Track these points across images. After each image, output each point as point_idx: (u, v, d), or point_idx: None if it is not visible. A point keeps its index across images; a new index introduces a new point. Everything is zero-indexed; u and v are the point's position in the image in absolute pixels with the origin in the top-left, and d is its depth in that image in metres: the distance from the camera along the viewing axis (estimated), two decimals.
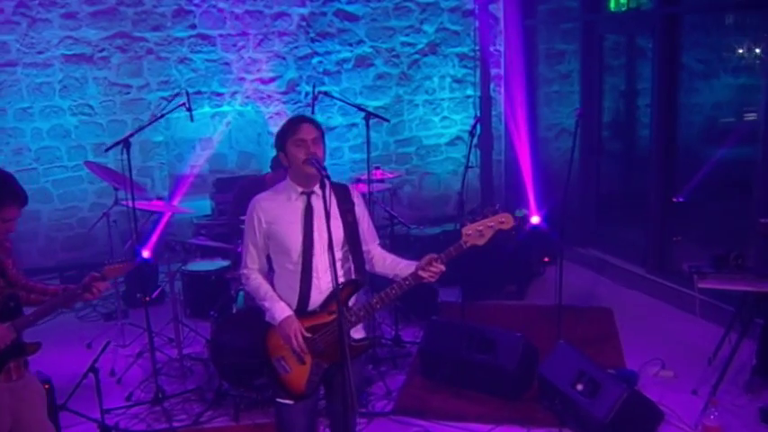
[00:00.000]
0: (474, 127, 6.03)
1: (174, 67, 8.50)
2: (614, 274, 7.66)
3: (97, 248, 8.05)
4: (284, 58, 8.87)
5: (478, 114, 8.86)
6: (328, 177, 3.20)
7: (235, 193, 6.56)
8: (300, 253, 3.44)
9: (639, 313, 6.71)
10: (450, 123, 9.67)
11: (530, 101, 9.03)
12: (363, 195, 5.85)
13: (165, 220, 7.02)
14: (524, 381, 5.07)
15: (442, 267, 3.38)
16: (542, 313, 6.49)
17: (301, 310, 3.46)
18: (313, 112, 5.61)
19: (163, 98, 8.08)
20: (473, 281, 6.95)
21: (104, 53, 8.23)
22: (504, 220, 3.38)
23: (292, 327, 3.37)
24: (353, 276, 3.51)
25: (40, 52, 8.02)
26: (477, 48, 9.30)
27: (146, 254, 6.43)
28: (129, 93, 8.42)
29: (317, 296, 3.46)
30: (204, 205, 8.34)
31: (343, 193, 3.55)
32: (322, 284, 3.46)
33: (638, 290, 7.24)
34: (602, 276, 7.77)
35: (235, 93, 8.77)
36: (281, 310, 3.44)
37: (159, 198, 8.48)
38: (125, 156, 5.49)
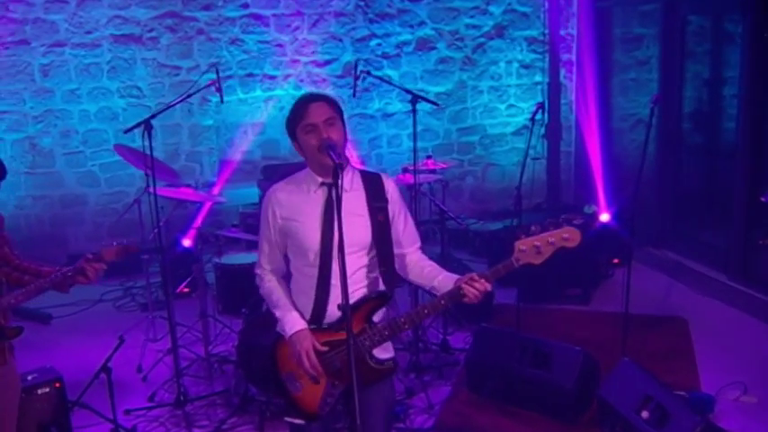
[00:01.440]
0: (535, 113, 5.42)
1: (225, 49, 8.15)
2: (691, 280, 6.92)
3: (143, 235, 7.77)
4: (340, 40, 8.42)
5: (544, 101, 8.22)
6: (341, 167, 2.70)
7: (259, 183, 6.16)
8: (318, 254, 2.95)
9: (719, 326, 5.97)
10: (517, 111, 9.05)
11: (603, 89, 8.34)
12: (410, 187, 5.42)
13: (206, 207, 6.67)
14: (582, 401, 4.48)
15: (488, 286, 2.86)
16: (608, 321, 5.86)
17: (317, 322, 2.98)
18: (355, 95, 5.11)
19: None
20: (533, 282, 6.42)
21: (153, 33, 7.94)
22: (569, 236, 2.88)
23: (304, 343, 2.90)
24: (381, 288, 3.01)
25: (88, 32, 7.79)
26: (547, 31, 8.63)
27: (186, 243, 6.10)
28: (178, 75, 8.11)
29: (334, 307, 2.94)
30: (253, 193, 7.96)
31: (374, 186, 3.03)
32: (339, 295, 2.92)
33: (719, 299, 6.49)
34: (677, 282, 7.04)
35: (288, 76, 8.37)
36: (292, 322, 2.98)
37: (205, 184, 8.25)
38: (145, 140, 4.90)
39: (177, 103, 5.17)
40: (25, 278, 3.42)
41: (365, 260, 2.98)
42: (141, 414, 4.86)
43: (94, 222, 8.20)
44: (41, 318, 6.53)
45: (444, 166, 6.11)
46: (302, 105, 2.91)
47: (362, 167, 3.20)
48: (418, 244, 3.18)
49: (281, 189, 3.05)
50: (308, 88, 8.39)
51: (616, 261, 7.25)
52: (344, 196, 2.84)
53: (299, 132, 2.91)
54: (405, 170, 5.39)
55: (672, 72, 7.43)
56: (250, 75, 8.24)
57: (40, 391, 4.26)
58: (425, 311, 2.89)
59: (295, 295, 3.06)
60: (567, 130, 8.98)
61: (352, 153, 8.57)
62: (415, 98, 4.88)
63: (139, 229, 6.18)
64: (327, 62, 8.42)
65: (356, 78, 5.01)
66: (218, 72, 5.14)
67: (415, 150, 5.04)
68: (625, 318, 4.90)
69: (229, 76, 8.18)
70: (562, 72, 8.74)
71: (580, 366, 4.44)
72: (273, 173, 7.68)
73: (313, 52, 8.36)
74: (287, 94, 8.46)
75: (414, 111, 4.91)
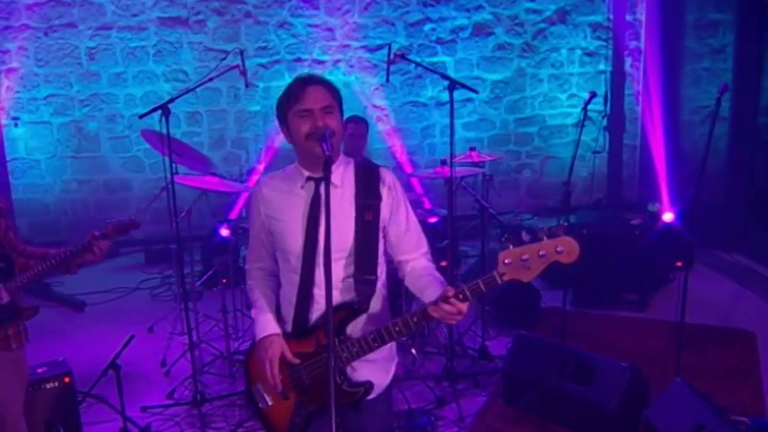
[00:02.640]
0: (587, 103, 4.97)
1: (273, 32, 7.90)
2: (763, 288, 6.33)
3: (189, 222, 7.62)
4: (393, 25, 8.06)
5: (607, 91, 7.69)
6: (331, 159, 2.35)
7: None
8: (300, 259, 2.61)
9: None
10: (579, 102, 8.50)
11: (672, 79, 7.76)
12: (450, 181, 5.00)
13: (243, 196, 6.44)
14: (626, 424, 4.03)
15: (462, 308, 2.36)
16: (666, 331, 5.35)
17: (298, 331, 2.63)
18: (388, 80, 4.76)
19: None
20: (586, 285, 5.98)
21: (200, 16, 7.75)
22: (565, 249, 2.33)
23: (269, 351, 2.56)
24: (354, 296, 2.60)
25: (134, 15, 7.65)
26: (612, 16, 8.08)
27: (224, 232, 5.87)
28: (224, 58, 7.86)
29: (318, 316, 2.61)
30: None
31: (367, 181, 2.64)
32: (323, 302, 2.57)
33: None
34: (746, 289, 6.44)
35: (338, 61, 8.07)
36: (263, 325, 2.64)
37: (250, 171, 8.03)
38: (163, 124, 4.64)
39: (197, 87, 4.91)
40: (31, 263, 3.31)
41: (351, 269, 2.60)
42: (158, 412, 4.63)
43: (138, 208, 8.05)
44: (75, 304, 6.43)
45: (489, 158, 5.69)
46: (299, 87, 2.55)
47: (358, 161, 2.80)
48: (423, 249, 2.76)
49: (266, 183, 2.72)
50: (358, 74, 8.10)
51: (679, 264, 6.68)
52: (334, 193, 2.52)
53: (290, 116, 2.55)
54: (442, 162, 5.00)
55: (748, 61, 6.83)
56: (298, 59, 7.97)
57: (48, 386, 4.04)
58: (396, 329, 2.46)
59: (282, 304, 2.73)
60: (633, 122, 8.42)
61: (398, 142, 8.24)
62: (453, 84, 4.47)
63: (169, 218, 5.97)
64: (378, 47, 8.07)
65: (390, 63, 4.64)
66: (242, 55, 4.85)
67: (451, 142, 4.63)
68: (680, 329, 4.41)
69: (277, 61, 7.94)
70: (628, 61, 8.17)
71: (626, 385, 3.99)
72: None
73: (364, 37, 8.04)
74: (336, 80, 8.09)
75: (451, 98, 4.50)
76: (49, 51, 7.59)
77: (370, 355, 2.52)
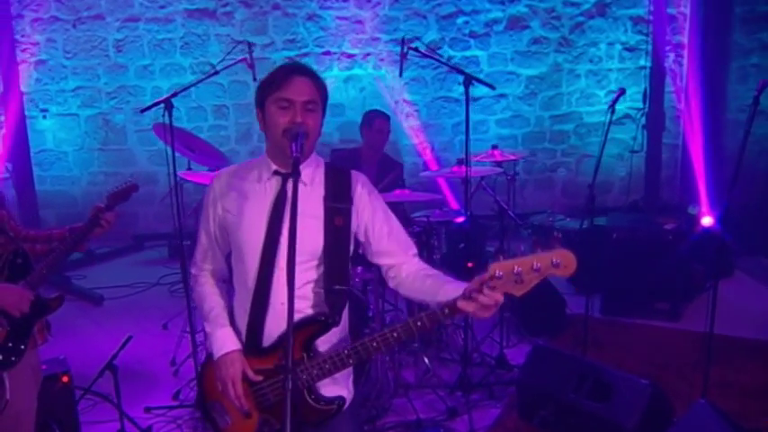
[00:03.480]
0: (614, 101, 4.69)
1: (302, 25, 7.75)
2: None
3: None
4: (424, 17, 7.83)
5: (646, 88, 7.35)
6: (298, 161, 2.15)
7: None
8: (258, 257, 2.38)
9: None
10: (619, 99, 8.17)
11: (718, 75, 7.37)
12: (468, 181, 4.74)
13: None
14: None
15: (499, 297, 2.16)
16: (698, 343, 5.04)
17: (253, 345, 2.42)
18: (401, 74, 4.54)
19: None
20: (617, 292, 5.70)
21: (228, 8, 7.63)
22: (561, 262, 2.11)
23: (230, 369, 2.36)
24: (325, 308, 2.39)
25: (162, 7, 7.57)
26: (652, 9, 7.72)
27: None
28: (252, 52, 7.74)
29: (274, 328, 2.39)
30: None
31: (337, 183, 2.45)
32: (280, 313, 2.36)
33: None
34: None
35: (367, 54, 7.88)
36: (222, 341, 2.43)
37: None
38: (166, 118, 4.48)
39: (200, 81, 4.72)
40: (37, 247, 3.21)
41: (314, 274, 2.40)
42: (161, 413, 4.51)
43: (164, 202, 7.99)
44: (94, 299, 6.37)
45: (513, 157, 5.42)
46: (285, 74, 2.33)
47: (328, 161, 2.59)
48: (413, 251, 2.56)
49: (227, 173, 2.51)
50: (389, 68, 7.89)
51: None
52: (302, 191, 2.31)
53: (269, 103, 2.34)
54: (459, 162, 4.76)
55: None
56: (327, 53, 7.81)
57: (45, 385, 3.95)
58: (395, 335, 2.24)
59: (235, 312, 2.51)
60: (674, 120, 8.05)
61: (428, 138, 8.01)
62: (468, 79, 4.22)
63: (182, 214, 5.86)
64: (410, 40, 7.83)
65: (403, 57, 4.42)
66: (250, 47, 4.68)
67: (467, 139, 4.38)
68: (708, 342, 4.10)
69: (305, 54, 7.78)
70: (670, 56, 7.80)
71: (646, 403, 3.72)
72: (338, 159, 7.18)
73: (394, 30, 7.82)
74: (366, 74, 7.97)
75: (467, 94, 4.26)
76: (77, 43, 7.56)
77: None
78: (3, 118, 7.01)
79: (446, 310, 2.21)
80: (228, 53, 4.74)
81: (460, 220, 5.63)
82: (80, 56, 7.58)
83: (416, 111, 8.03)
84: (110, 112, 7.73)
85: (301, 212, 2.26)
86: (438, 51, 7.89)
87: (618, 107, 8.06)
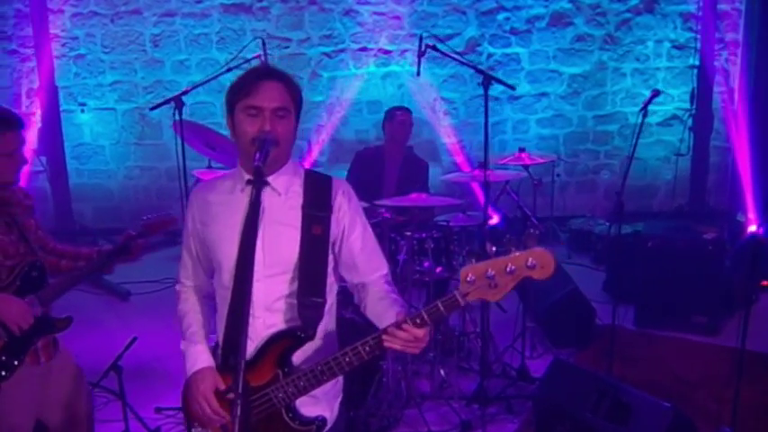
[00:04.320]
0: (648, 102, 4.43)
1: (339, 20, 7.63)
2: None
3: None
4: (464, 13, 7.64)
5: (694, 88, 7.01)
6: (260, 170, 2.06)
7: (350, 166, 5.55)
8: (232, 274, 2.29)
9: None
10: (666, 99, 7.85)
11: None
12: (486, 186, 4.52)
13: None
14: None
15: (418, 333, 2.05)
16: (733, 362, 4.76)
17: (228, 361, 2.31)
18: (418, 73, 4.36)
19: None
20: (652, 302, 5.42)
21: (264, 3, 7.57)
22: (537, 262, 1.98)
23: (201, 386, 2.26)
24: (297, 321, 2.28)
25: (198, 1, 7.56)
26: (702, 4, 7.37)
27: None
28: (288, 47, 7.70)
29: (252, 343, 2.28)
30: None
31: (317, 191, 2.33)
32: (258, 326, 2.28)
33: None
34: None
35: (405, 51, 7.72)
36: (194, 358, 2.34)
37: (312, 164, 7.79)
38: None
39: (209, 81, 4.64)
40: (62, 263, 3.12)
41: (289, 286, 2.28)
42: (171, 414, 4.45)
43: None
44: (120, 293, 6.37)
45: (541, 161, 5.18)
46: (254, 79, 2.21)
47: (313, 169, 2.47)
48: (383, 271, 2.41)
49: (205, 186, 2.42)
50: (426, 64, 7.69)
51: (765, 283, 6.01)
52: (276, 201, 2.27)
53: (237, 110, 2.22)
54: (480, 165, 4.56)
55: None
56: (364, 49, 7.68)
57: None
58: (347, 360, 2.14)
59: (217, 327, 2.41)
60: (725, 122, 7.67)
61: (459, 138, 7.81)
62: (487, 80, 4.04)
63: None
64: (449, 37, 7.66)
65: (420, 55, 4.25)
66: (264, 44, 4.57)
67: (486, 140, 4.19)
68: (740, 360, 3.86)
69: (341, 50, 7.67)
70: (723, 55, 7.43)
71: (666, 429, 3.50)
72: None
73: (433, 26, 7.64)
74: (403, 70, 7.81)
75: (485, 95, 4.07)
76: (114, 38, 7.59)
77: (314, 391, 2.21)
78: (39, 112, 7.09)
79: (371, 343, 2.11)
80: (240, 51, 4.59)
81: (495, 221, 5.47)
82: (118, 50, 7.62)
83: (454, 109, 7.85)
84: (146, 106, 7.73)
85: (276, 222, 2.24)
86: (477, 48, 7.71)
87: (665, 108, 7.86)
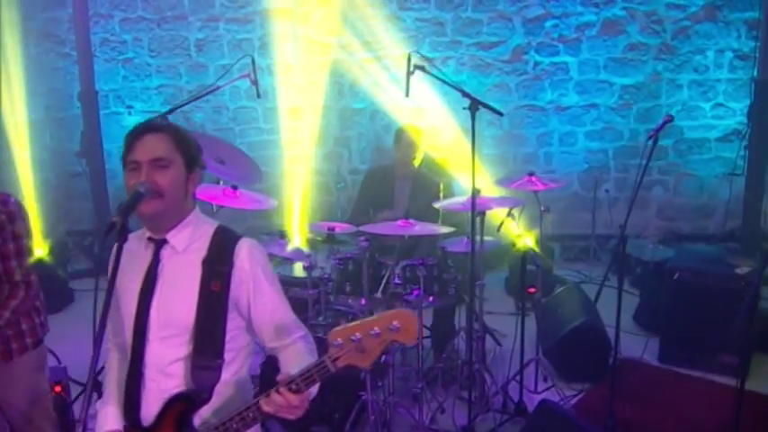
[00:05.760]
0: (658, 130, 4.12)
1: (381, 26, 7.46)
2: None
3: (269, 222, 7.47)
4: (510, 20, 7.35)
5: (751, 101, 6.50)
6: (124, 226, 1.98)
7: (360, 186, 5.40)
8: (131, 330, 2.25)
9: None
10: (726, 113, 7.36)
11: None
12: (476, 214, 4.22)
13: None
14: None
15: (292, 399, 2.00)
16: (763, 409, 4.39)
17: (132, 423, 2.27)
18: (407, 94, 4.16)
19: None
20: (678, 337, 5.08)
21: (306, 8, 7.48)
22: (400, 325, 1.96)
23: None
24: (191, 384, 2.22)
25: (241, 6, 7.55)
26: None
27: None
28: (329, 53, 7.60)
29: (152, 406, 2.23)
30: None
31: (219, 247, 2.25)
32: (152, 393, 2.25)
33: None
34: None
35: (447, 58, 7.50)
36: (103, 419, 2.34)
37: (352, 171, 7.68)
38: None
39: (199, 98, 4.59)
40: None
41: (185, 349, 2.22)
42: None
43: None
44: None
45: (554, 186, 4.86)
46: (133, 136, 2.20)
47: (224, 225, 2.36)
48: (299, 333, 2.32)
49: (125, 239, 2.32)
50: (470, 73, 7.48)
51: None
52: (176, 259, 2.23)
53: (125, 168, 2.21)
54: (479, 192, 4.31)
55: None
56: (405, 55, 7.46)
57: None
58: (234, 426, 2.11)
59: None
60: None
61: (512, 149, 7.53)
62: (475, 104, 3.81)
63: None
64: (493, 45, 7.41)
65: (409, 74, 4.05)
66: (253, 62, 4.47)
67: (473, 162, 3.94)
68: (739, 402, 3.53)
69: (383, 56, 7.52)
70: None
71: None
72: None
73: (477, 33, 7.40)
74: (446, 78, 7.56)
75: (473, 121, 3.84)
76: (161, 42, 7.70)
77: None
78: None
79: (250, 414, 2.09)
80: (234, 64, 4.53)
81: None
82: (163, 54, 7.72)
83: (498, 119, 7.56)
84: (190, 110, 7.79)
85: (173, 282, 2.22)
86: (523, 57, 7.41)
87: (725, 122, 7.35)
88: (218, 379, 2.22)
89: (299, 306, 4.42)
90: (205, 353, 2.21)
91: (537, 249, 6.39)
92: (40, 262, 5.90)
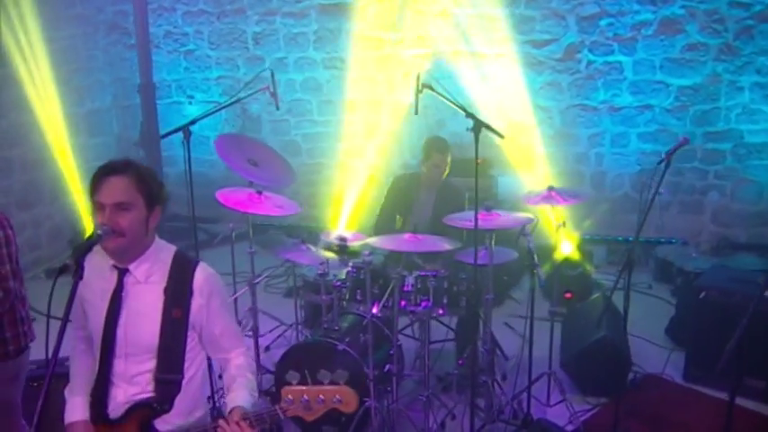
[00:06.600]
0: (673, 151, 4.04)
1: (433, 22, 7.48)
2: None
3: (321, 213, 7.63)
4: (563, 18, 7.23)
5: None
6: (78, 268, 2.22)
7: (387, 190, 5.46)
8: (100, 348, 2.53)
9: None
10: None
11: None
12: (485, 232, 4.19)
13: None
14: None
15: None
16: None
17: (100, 415, 2.56)
18: (417, 112, 4.17)
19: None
20: (704, 356, 4.97)
21: (360, 4, 7.57)
22: (342, 399, 2.36)
23: None
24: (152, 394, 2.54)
25: (298, 1, 7.71)
26: None
27: None
28: (382, 48, 7.68)
29: (115, 407, 2.54)
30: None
31: (180, 275, 2.51)
32: (119, 396, 2.54)
33: None
34: None
35: (500, 55, 7.44)
36: (72, 409, 2.62)
37: (403, 166, 7.73)
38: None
39: (226, 106, 4.72)
40: None
41: (149, 365, 2.51)
42: None
43: (293, 191, 8.19)
44: None
45: (574, 202, 4.76)
46: (98, 177, 2.43)
47: (180, 251, 2.59)
48: (241, 349, 2.69)
49: (97, 254, 2.51)
50: (522, 70, 7.41)
51: None
52: (137, 289, 2.50)
53: (93, 203, 2.44)
54: (488, 208, 4.30)
55: None
56: (457, 51, 7.49)
57: (35, 384, 3.64)
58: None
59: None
60: None
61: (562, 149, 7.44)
62: (479, 125, 3.81)
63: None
64: (546, 42, 7.31)
65: (418, 93, 4.07)
66: (273, 75, 4.58)
67: (476, 190, 3.95)
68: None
69: (435, 52, 7.53)
70: None
71: None
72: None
73: (530, 30, 7.31)
74: (497, 75, 7.54)
75: (476, 140, 3.82)
76: (220, 35, 7.96)
77: None
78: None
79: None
80: (255, 77, 4.67)
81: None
82: (222, 47, 7.98)
83: (550, 118, 7.49)
84: (247, 101, 8.01)
85: (137, 308, 2.51)
86: (576, 56, 7.28)
87: None
88: (178, 391, 2.51)
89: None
90: (167, 369, 2.49)
91: (577, 255, 6.40)
92: None
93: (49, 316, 2.22)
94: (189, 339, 2.53)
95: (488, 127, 3.79)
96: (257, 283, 5.01)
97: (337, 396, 2.32)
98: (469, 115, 3.84)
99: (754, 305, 3.46)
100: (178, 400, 2.53)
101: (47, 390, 2.09)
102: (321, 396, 2.32)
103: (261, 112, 8.11)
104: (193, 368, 2.60)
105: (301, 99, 8.00)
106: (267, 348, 5.54)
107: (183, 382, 2.53)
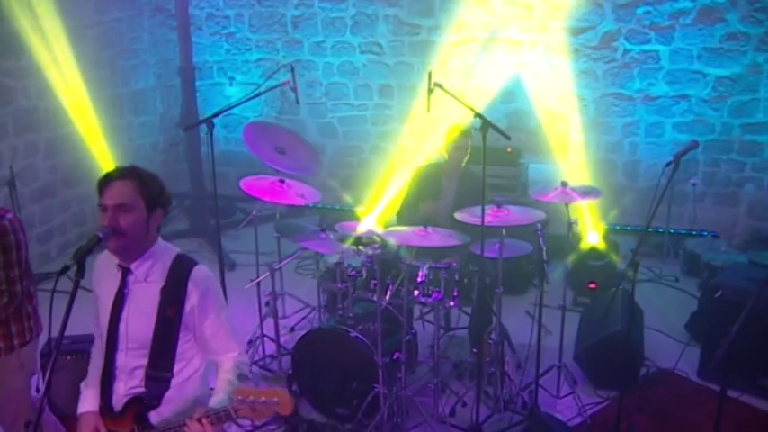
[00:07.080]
0: (681, 155, 4.02)
1: (470, 9, 7.49)
2: None
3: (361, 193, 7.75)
4: (600, 6, 7.18)
5: None
6: (79, 263, 2.37)
7: (410, 182, 5.54)
8: (105, 342, 2.74)
9: None
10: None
11: None
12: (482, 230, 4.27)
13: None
14: None
15: (209, 429, 2.47)
16: None
17: (107, 407, 2.76)
18: (429, 110, 4.24)
19: None
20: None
21: None
22: (279, 401, 2.42)
23: (83, 429, 2.74)
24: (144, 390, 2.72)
25: None
26: None
27: None
28: (418, 34, 7.73)
29: (117, 399, 2.74)
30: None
31: (177, 276, 2.67)
32: (120, 388, 2.74)
33: None
34: None
35: (535, 43, 7.43)
36: (83, 400, 2.82)
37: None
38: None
39: (245, 102, 4.87)
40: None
41: (144, 360, 2.68)
42: None
43: (330, 173, 8.38)
44: (227, 263, 6.88)
45: (589, 198, 4.76)
46: (103, 181, 2.64)
47: (181, 254, 2.75)
48: (233, 353, 2.77)
49: (104, 255, 2.79)
50: (558, 58, 7.40)
51: None
52: (138, 287, 2.68)
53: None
54: (499, 204, 4.37)
55: None
56: (493, 38, 7.50)
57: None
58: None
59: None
60: None
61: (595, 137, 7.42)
62: (486, 125, 3.87)
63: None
64: (582, 30, 7.27)
65: (430, 92, 4.14)
66: (293, 71, 4.70)
67: (483, 195, 4.03)
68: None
69: (471, 39, 7.57)
70: None
71: None
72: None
73: (566, 18, 7.27)
74: (533, 62, 7.53)
75: (484, 140, 3.90)
76: (260, 18, 8.11)
77: None
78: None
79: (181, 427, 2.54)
80: (275, 71, 4.79)
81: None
82: (262, 30, 8.14)
83: (584, 106, 7.46)
84: (286, 82, 8.19)
85: (137, 305, 2.68)
86: (613, 44, 7.23)
87: None
88: (166, 388, 2.68)
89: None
90: (157, 366, 2.67)
91: (603, 245, 6.41)
92: None
93: (50, 316, 2.37)
94: (184, 339, 2.70)
95: (495, 128, 3.86)
96: (278, 269, 5.14)
97: (275, 398, 2.41)
98: (478, 115, 3.90)
99: (752, 303, 3.47)
100: (173, 398, 2.71)
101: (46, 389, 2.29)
102: (263, 398, 2.41)
103: (299, 94, 8.22)
104: (189, 369, 2.76)
105: (338, 83, 8.12)
106: (292, 329, 5.72)
107: (175, 380, 2.70)
